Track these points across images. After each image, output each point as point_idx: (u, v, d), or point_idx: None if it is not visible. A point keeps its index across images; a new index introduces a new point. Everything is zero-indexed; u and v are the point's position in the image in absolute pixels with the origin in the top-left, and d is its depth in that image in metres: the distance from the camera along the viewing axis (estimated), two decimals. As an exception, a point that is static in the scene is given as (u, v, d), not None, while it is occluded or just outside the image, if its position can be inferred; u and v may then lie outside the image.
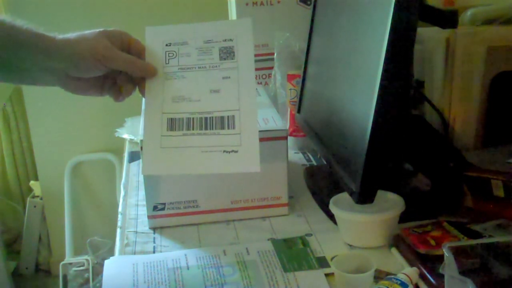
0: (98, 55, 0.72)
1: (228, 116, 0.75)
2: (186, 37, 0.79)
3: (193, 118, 0.75)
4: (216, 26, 0.81)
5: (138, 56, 0.77)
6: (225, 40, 0.78)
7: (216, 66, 0.77)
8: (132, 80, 0.77)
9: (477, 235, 0.76)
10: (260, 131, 0.76)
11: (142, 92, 0.77)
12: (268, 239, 0.85)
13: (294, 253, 0.80)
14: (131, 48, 0.77)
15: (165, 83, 0.77)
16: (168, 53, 0.78)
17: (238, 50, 0.78)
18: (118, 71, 0.76)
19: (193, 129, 0.75)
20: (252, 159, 0.72)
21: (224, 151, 0.73)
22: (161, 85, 0.77)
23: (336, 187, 0.87)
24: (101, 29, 0.74)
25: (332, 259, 0.78)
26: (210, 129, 0.74)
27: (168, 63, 0.78)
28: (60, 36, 0.73)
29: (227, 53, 0.77)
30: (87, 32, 0.74)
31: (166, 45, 0.79)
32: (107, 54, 0.73)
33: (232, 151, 0.73)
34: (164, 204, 0.90)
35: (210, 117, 0.75)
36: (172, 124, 0.75)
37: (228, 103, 0.75)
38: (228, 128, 0.74)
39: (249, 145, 0.73)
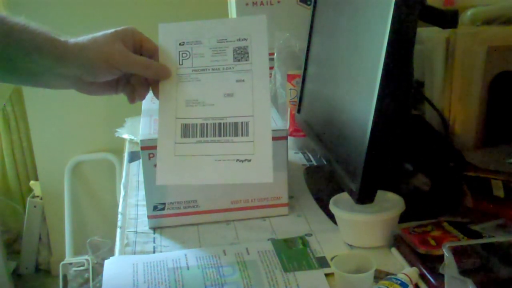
0: (111, 60, 0.71)
1: (242, 123, 0.74)
2: (199, 36, 0.78)
3: (207, 124, 0.74)
4: (230, 24, 0.80)
5: (150, 56, 0.76)
6: (239, 40, 0.77)
7: (230, 68, 0.76)
8: (146, 81, 0.77)
9: (477, 235, 0.76)
10: None
11: (156, 95, 0.76)
12: (268, 239, 0.85)
13: (294, 253, 0.80)
14: (143, 47, 0.76)
15: (178, 85, 0.76)
16: (182, 53, 0.77)
17: (253, 50, 0.77)
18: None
19: (206, 136, 0.74)
20: (265, 169, 0.72)
21: (237, 160, 0.72)
22: (174, 88, 0.76)
23: (336, 187, 0.87)
24: (113, 31, 0.73)
25: (332, 259, 0.78)
26: (223, 135, 0.74)
27: (182, 64, 0.77)
28: (72, 40, 0.71)
29: (241, 54, 0.76)
30: (99, 35, 0.72)
31: (180, 44, 0.77)
32: (120, 60, 0.72)
33: (246, 160, 0.72)
34: (164, 204, 0.89)
35: (224, 123, 0.74)
36: (186, 131, 0.75)
37: (242, 109, 0.75)
38: (242, 135, 0.73)
39: (262, 154, 0.72)
